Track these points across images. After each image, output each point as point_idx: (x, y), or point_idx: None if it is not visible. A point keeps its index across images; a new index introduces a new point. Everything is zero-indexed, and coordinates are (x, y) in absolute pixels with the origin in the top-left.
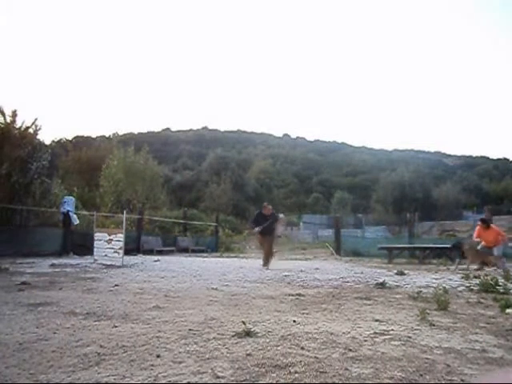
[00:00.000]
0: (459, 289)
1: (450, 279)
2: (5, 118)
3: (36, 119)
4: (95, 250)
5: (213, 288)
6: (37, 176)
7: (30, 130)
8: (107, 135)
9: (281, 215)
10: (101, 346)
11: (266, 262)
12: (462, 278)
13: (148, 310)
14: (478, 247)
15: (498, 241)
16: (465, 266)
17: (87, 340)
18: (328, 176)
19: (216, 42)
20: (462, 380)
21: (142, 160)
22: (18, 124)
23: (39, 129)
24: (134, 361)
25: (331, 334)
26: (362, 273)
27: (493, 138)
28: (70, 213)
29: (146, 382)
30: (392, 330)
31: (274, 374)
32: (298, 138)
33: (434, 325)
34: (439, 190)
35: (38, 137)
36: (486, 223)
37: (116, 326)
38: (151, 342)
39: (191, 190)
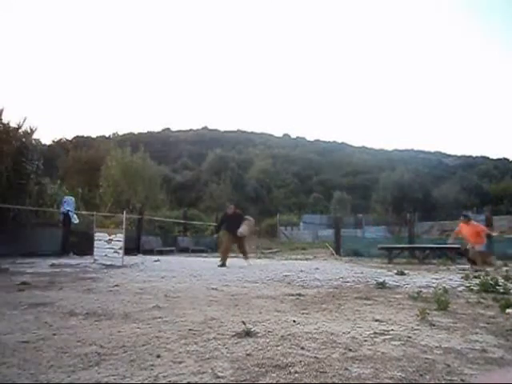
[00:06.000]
0: (459, 289)
1: (450, 279)
2: None
3: (25, 118)
4: (95, 249)
5: (213, 288)
6: (33, 176)
7: (23, 130)
8: (107, 135)
9: (249, 218)
10: (101, 346)
11: (223, 261)
12: (462, 277)
13: (148, 310)
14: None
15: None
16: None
17: (87, 340)
18: (328, 176)
19: (216, 41)
20: (461, 380)
21: (139, 160)
22: (13, 125)
23: (35, 129)
24: (133, 361)
25: (331, 334)
26: (362, 273)
27: (493, 138)
28: (70, 213)
29: (145, 382)
30: (392, 330)
31: (274, 374)
32: (297, 137)
33: (433, 325)
34: (439, 190)
35: (34, 136)
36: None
37: (116, 326)
38: (151, 342)
39: (191, 190)
